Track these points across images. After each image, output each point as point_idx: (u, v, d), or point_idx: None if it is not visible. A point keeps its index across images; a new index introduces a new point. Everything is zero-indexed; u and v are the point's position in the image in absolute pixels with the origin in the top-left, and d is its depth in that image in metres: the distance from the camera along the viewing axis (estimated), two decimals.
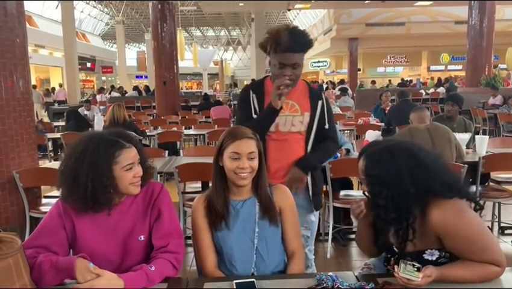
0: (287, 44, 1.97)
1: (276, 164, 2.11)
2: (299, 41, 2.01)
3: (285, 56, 2.01)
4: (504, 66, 15.97)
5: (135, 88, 17.39)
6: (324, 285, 1.39)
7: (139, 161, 1.61)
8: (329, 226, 3.64)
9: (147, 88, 17.11)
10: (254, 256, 1.69)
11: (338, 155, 3.68)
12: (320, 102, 2.20)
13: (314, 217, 2.27)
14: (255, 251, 1.69)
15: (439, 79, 19.19)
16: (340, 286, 1.38)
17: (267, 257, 1.71)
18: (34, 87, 19.59)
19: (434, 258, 1.51)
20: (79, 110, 9.42)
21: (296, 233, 1.79)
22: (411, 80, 22.85)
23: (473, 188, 3.54)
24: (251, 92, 2.17)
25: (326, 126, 2.20)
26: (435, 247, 1.50)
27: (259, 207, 1.72)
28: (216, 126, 7.24)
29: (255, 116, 2.13)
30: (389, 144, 1.54)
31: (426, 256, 1.51)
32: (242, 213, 1.71)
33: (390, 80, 23.40)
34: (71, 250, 1.63)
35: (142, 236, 1.62)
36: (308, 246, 2.23)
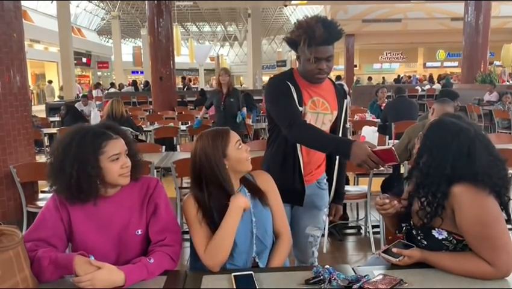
0: (322, 37, 1.87)
1: (305, 161, 2.09)
2: (332, 32, 1.92)
3: (320, 50, 1.91)
4: (499, 63, 16.04)
5: (133, 82, 17.30)
6: (321, 277, 1.41)
7: (127, 152, 1.62)
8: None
9: (146, 82, 17.03)
10: (254, 246, 1.71)
11: None
12: (345, 101, 2.17)
13: (325, 216, 2.27)
14: (254, 241, 1.71)
15: (430, 76, 19.24)
16: (337, 278, 1.40)
17: (268, 243, 1.75)
18: (50, 82, 19.59)
19: (440, 237, 1.54)
20: (76, 105, 9.42)
21: (281, 215, 1.82)
22: (409, 77, 22.87)
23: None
24: (289, 84, 2.02)
25: (347, 125, 2.20)
26: (447, 228, 1.53)
27: (250, 196, 1.75)
28: (213, 121, 7.23)
29: (300, 108, 1.99)
30: (461, 126, 1.54)
31: (434, 233, 1.55)
32: None
33: (384, 78, 23.31)
34: (69, 245, 1.65)
35: (139, 231, 1.64)
36: (316, 245, 2.23)
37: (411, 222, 1.65)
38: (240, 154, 1.70)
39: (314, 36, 1.87)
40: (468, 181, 1.47)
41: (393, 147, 1.70)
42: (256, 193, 1.77)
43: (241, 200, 1.65)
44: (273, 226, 1.80)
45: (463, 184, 1.48)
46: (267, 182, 1.82)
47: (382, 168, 1.79)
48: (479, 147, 1.52)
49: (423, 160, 1.56)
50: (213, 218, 1.66)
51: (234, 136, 1.72)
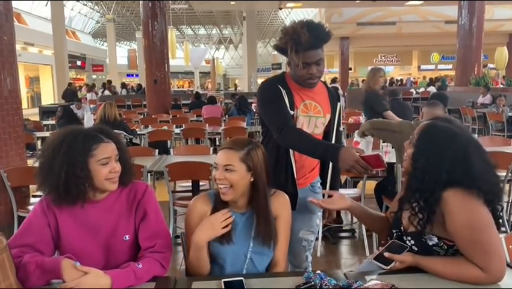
0: (309, 42, 1.85)
1: (298, 165, 2.07)
2: (319, 36, 1.90)
3: (308, 55, 1.90)
4: (493, 66, 16.13)
5: (123, 85, 17.18)
6: (312, 283, 1.39)
7: (118, 157, 1.60)
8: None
9: (139, 86, 16.97)
10: (244, 270, 1.66)
11: None
12: (338, 104, 2.17)
13: (319, 220, 2.25)
14: (245, 265, 1.66)
15: (431, 79, 19.34)
16: (328, 284, 1.38)
17: (261, 268, 1.70)
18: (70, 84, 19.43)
19: (431, 243, 1.53)
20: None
21: (284, 244, 1.75)
22: (401, 80, 22.91)
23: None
24: (281, 88, 2.00)
25: (341, 128, 2.19)
26: (437, 234, 1.51)
27: (256, 223, 1.67)
28: (207, 124, 7.22)
29: (291, 112, 1.98)
30: (455, 131, 1.54)
31: (424, 238, 1.53)
32: (240, 225, 1.66)
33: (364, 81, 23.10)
34: (56, 251, 1.62)
35: (127, 236, 1.61)
36: (310, 249, 2.21)
37: (401, 228, 1.63)
38: (214, 173, 1.63)
39: (300, 41, 1.86)
40: (463, 186, 1.46)
41: (380, 153, 1.71)
42: (263, 229, 1.65)
43: (202, 238, 1.54)
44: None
45: (454, 189, 1.46)
46: (282, 208, 1.73)
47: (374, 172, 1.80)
48: (473, 151, 1.50)
49: (418, 165, 1.53)
50: None
51: (218, 156, 1.63)
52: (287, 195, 1.79)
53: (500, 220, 1.53)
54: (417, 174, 1.53)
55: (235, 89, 24.97)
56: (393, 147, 3.53)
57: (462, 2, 11.71)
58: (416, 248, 1.56)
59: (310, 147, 1.90)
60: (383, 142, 3.72)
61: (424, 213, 1.51)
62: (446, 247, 1.51)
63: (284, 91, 2.00)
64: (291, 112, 1.99)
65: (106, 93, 16.39)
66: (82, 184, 1.52)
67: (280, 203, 1.74)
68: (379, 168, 1.73)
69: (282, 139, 1.95)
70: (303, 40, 1.85)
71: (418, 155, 1.54)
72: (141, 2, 10.31)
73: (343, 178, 4.32)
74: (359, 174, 1.75)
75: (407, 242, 1.58)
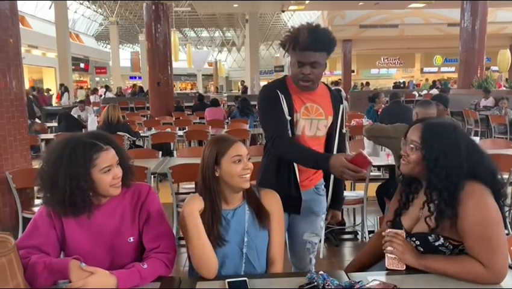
0: (306, 42, 1.90)
1: (303, 168, 2.08)
2: (319, 39, 1.92)
3: (303, 55, 1.93)
4: (496, 68, 16.11)
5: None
6: (315, 283, 1.41)
7: (118, 162, 1.60)
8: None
9: (140, 88, 17.04)
10: (243, 265, 1.69)
11: None
12: (341, 106, 2.18)
13: (323, 222, 2.26)
14: (244, 260, 1.69)
15: (433, 81, 19.33)
16: (331, 285, 1.39)
17: (257, 265, 1.71)
18: (62, 85, 19.57)
19: (437, 243, 1.54)
20: (74, 110, 9.41)
21: (279, 241, 1.76)
22: (404, 82, 22.85)
23: None
24: (279, 93, 2.02)
25: (344, 130, 2.20)
26: (443, 234, 1.52)
27: (249, 214, 1.71)
28: (210, 127, 7.25)
29: (289, 117, 2.00)
30: (451, 122, 1.59)
31: (430, 239, 1.54)
32: (232, 223, 1.69)
33: (367, 83, 22.58)
34: (62, 252, 1.64)
35: (131, 238, 1.63)
36: (314, 252, 2.22)
37: (404, 229, 1.64)
38: (232, 168, 1.63)
39: (298, 40, 1.92)
40: (480, 176, 1.49)
41: (361, 150, 1.73)
42: (258, 212, 1.72)
43: (191, 207, 1.60)
44: (268, 251, 1.75)
45: (473, 181, 1.49)
46: (272, 203, 1.76)
47: (378, 173, 1.81)
48: (473, 141, 1.57)
49: (438, 164, 1.51)
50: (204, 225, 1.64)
51: (237, 149, 1.65)
52: (277, 194, 1.80)
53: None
54: (438, 172, 1.51)
55: (239, 90, 24.96)
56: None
57: (465, 4, 11.71)
58: (422, 249, 1.57)
59: (301, 158, 1.96)
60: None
61: (448, 209, 1.49)
62: (451, 247, 1.52)
63: (282, 96, 2.01)
64: (289, 118, 2.00)
65: (109, 95, 16.46)
66: (87, 195, 1.52)
67: (270, 200, 1.77)
68: (367, 166, 1.75)
69: (274, 148, 2.01)
70: (301, 39, 1.91)
71: (435, 154, 1.52)
72: (144, 4, 10.36)
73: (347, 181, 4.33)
74: (354, 178, 1.76)
75: (411, 243, 1.59)
